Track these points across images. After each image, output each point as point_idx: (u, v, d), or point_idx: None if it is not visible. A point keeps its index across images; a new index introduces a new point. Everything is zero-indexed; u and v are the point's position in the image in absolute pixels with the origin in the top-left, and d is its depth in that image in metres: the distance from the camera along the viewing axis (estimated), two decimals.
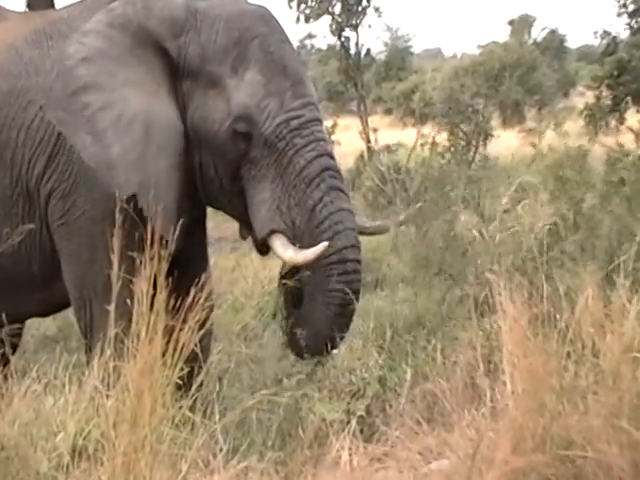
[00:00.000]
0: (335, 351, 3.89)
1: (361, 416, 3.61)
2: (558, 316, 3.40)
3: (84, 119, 3.90)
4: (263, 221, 3.88)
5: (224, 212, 4.26)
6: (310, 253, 3.75)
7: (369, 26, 15.97)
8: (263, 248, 4.05)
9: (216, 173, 3.98)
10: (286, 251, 3.84)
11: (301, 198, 3.83)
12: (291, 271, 3.91)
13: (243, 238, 4.35)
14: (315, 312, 3.83)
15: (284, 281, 3.93)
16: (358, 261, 3.85)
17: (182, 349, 3.26)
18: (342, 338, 3.86)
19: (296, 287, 3.90)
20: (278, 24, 4.09)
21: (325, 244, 3.73)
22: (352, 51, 15.47)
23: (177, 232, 3.59)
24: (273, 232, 3.87)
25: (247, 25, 3.96)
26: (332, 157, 3.97)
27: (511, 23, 32.32)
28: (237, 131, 3.90)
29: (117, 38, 3.99)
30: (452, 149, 8.94)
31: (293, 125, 3.89)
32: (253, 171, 3.92)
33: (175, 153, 3.95)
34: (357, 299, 3.84)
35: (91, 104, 3.91)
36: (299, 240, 3.83)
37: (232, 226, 4.44)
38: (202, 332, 3.45)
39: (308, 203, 3.83)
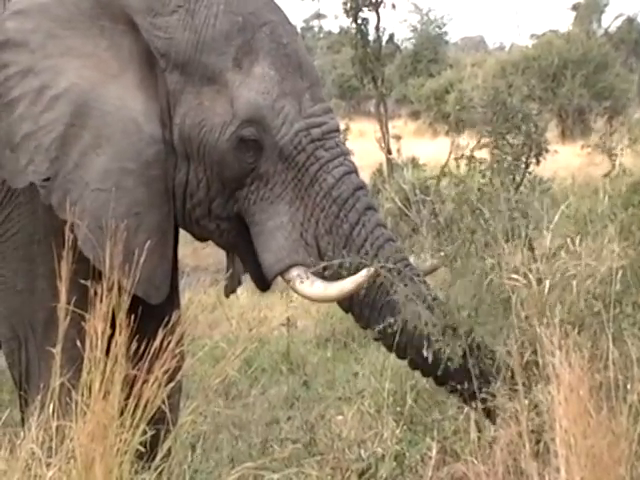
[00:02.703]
0: None
1: None
2: (629, 386, 3.40)
3: None
4: (281, 252, 3.91)
5: (203, 239, 4.27)
6: (350, 283, 3.78)
7: (393, 6, 15.96)
8: (265, 283, 4.08)
9: (207, 194, 4.00)
10: (313, 285, 3.87)
11: (333, 223, 3.90)
12: None
13: (227, 294, 4.42)
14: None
15: None
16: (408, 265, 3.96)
17: (145, 407, 3.27)
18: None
19: None
20: (285, 14, 4.16)
21: (371, 269, 3.77)
22: (371, 37, 15.52)
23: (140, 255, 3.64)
24: (293, 266, 3.90)
25: (252, 10, 4.01)
26: (359, 175, 4.05)
27: (576, 8, 32.61)
28: (244, 139, 3.92)
29: None
30: (496, 166, 8.95)
31: (315, 134, 3.95)
32: (262, 190, 3.95)
33: (133, 159, 3.92)
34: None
35: (9, 65, 3.92)
36: (331, 275, 3.84)
37: (213, 253, 4.47)
38: (171, 386, 3.48)
39: (343, 228, 3.89)
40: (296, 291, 3.93)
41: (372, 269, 3.75)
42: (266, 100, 3.91)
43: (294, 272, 3.89)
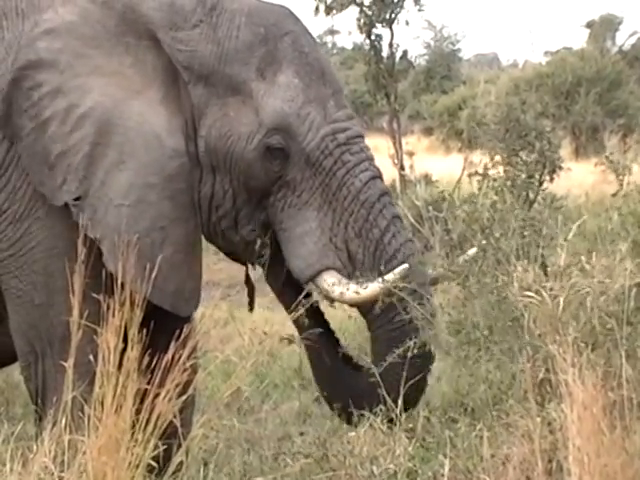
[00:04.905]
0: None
1: None
2: None
3: (29, 101, 3.97)
4: (311, 257, 3.99)
5: (231, 257, 4.31)
6: (383, 281, 3.85)
7: (407, 22, 15.95)
8: (294, 300, 4.10)
9: (234, 205, 4.06)
10: (346, 288, 3.94)
11: (363, 226, 3.97)
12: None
13: (250, 308, 4.50)
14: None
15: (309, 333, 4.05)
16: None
17: (157, 421, 3.27)
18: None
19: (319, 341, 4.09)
20: (304, 25, 4.22)
21: (406, 266, 3.87)
22: (384, 53, 15.54)
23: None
24: (325, 270, 3.97)
25: (273, 21, 4.10)
26: (383, 180, 4.13)
27: (590, 25, 32.53)
28: (271, 147, 4.00)
29: (96, 15, 4.07)
30: (509, 183, 8.92)
31: (340, 139, 4.03)
32: (290, 198, 4.02)
33: (156, 173, 3.96)
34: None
35: (42, 85, 3.98)
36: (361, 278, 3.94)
37: (226, 267, 4.48)
38: (183, 399, 3.48)
39: (374, 232, 3.97)
40: (328, 295, 3.99)
41: (407, 265, 3.85)
42: (291, 108, 3.98)
43: (326, 276, 3.97)
